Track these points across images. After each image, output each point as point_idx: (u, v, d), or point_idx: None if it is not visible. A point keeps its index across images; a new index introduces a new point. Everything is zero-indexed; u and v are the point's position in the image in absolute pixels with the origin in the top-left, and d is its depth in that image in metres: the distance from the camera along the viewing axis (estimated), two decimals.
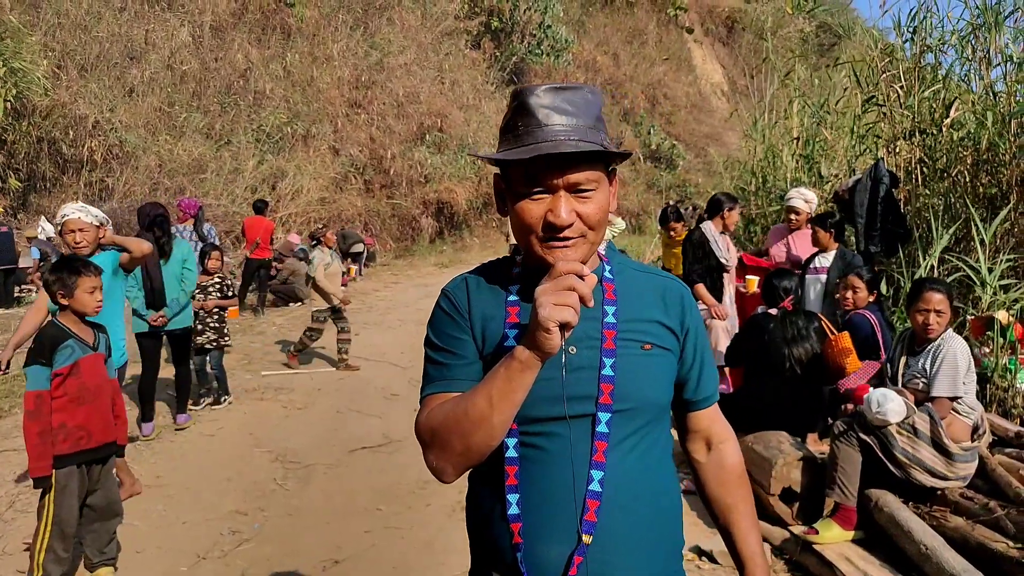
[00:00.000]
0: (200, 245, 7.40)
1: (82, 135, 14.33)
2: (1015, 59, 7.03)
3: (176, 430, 5.50)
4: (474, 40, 24.53)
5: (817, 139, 9.66)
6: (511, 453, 1.21)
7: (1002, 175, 6.64)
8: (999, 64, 7.40)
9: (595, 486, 1.17)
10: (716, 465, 1.40)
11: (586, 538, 1.15)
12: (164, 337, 5.39)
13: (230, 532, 3.83)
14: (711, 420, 1.41)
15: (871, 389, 3.49)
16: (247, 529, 3.87)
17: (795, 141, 10.02)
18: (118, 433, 3.28)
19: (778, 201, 9.34)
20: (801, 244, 5.65)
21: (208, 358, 6.07)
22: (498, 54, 24.96)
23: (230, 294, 6.33)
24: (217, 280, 6.25)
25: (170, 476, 4.60)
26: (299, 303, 11.35)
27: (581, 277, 1.06)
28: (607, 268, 1.31)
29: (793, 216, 5.68)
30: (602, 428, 1.19)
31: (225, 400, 6.13)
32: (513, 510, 1.19)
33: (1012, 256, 5.92)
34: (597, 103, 1.22)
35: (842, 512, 3.38)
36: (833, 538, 3.33)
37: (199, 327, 5.91)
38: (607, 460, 1.18)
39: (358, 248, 14.84)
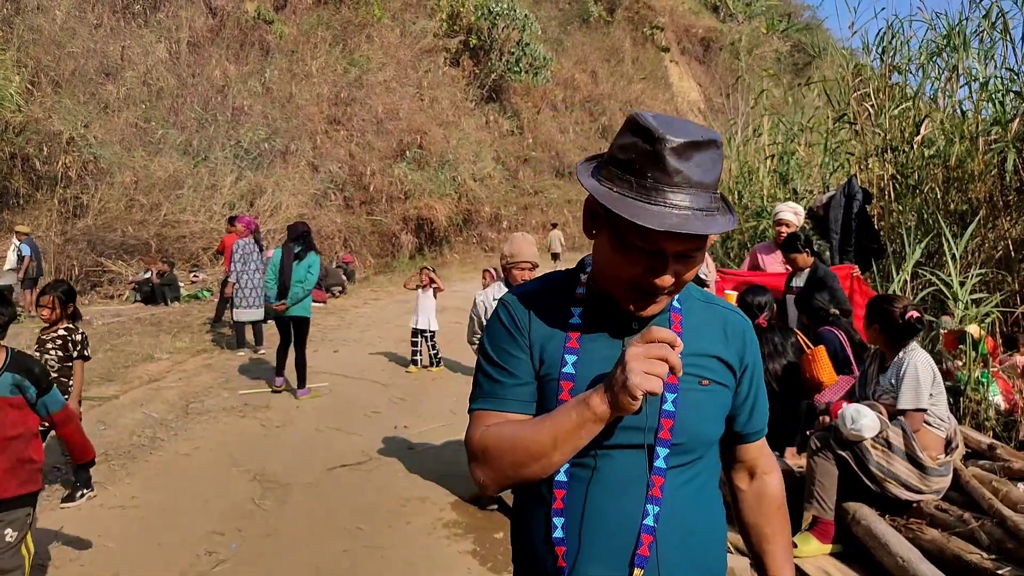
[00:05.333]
0: (258, 253, 9.01)
1: (56, 151, 14.16)
2: (980, 79, 7.21)
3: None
4: (453, 58, 24.68)
5: (792, 156, 9.81)
6: (561, 477, 1.20)
7: (972, 191, 6.79)
8: (965, 84, 7.60)
9: (650, 520, 1.17)
10: (757, 494, 1.41)
11: (637, 572, 1.15)
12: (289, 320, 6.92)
13: (207, 553, 3.77)
14: (758, 452, 1.41)
15: (845, 405, 3.53)
16: (224, 550, 3.81)
17: (770, 159, 10.17)
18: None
19: (755, 217, 9.45)
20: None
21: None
22: (477, 71, 25.12)
23: (75, 354, 4.29)
24: (62, 334, 4.29)
25: (145, 497, 4.52)
26: None
27: (672, 345, 1.07)
28: (674, 297, 1.29)
29: (784, 228, 5.68)
30: (660, 463, 1.19)
31: (83, 495, 4.39)
32: (558, 533, 1.19)
33: (982, 271, 6.05)
34: (721, 159, 1.16)
35: (820, 526, 3.41)
36: (812, 551, 3.36)
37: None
38: (662, 495, 1.18)
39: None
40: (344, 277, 15.17)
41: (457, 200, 20.79)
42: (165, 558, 3.71)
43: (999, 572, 2.65)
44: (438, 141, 21.26)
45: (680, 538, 1.19)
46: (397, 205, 19.81)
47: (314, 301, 13.23)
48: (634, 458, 1.19)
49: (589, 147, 28.09)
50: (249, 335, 9.05)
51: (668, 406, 1.19)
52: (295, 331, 6.95)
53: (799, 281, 5.18)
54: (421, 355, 8.22)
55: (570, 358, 1.22)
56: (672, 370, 1.07)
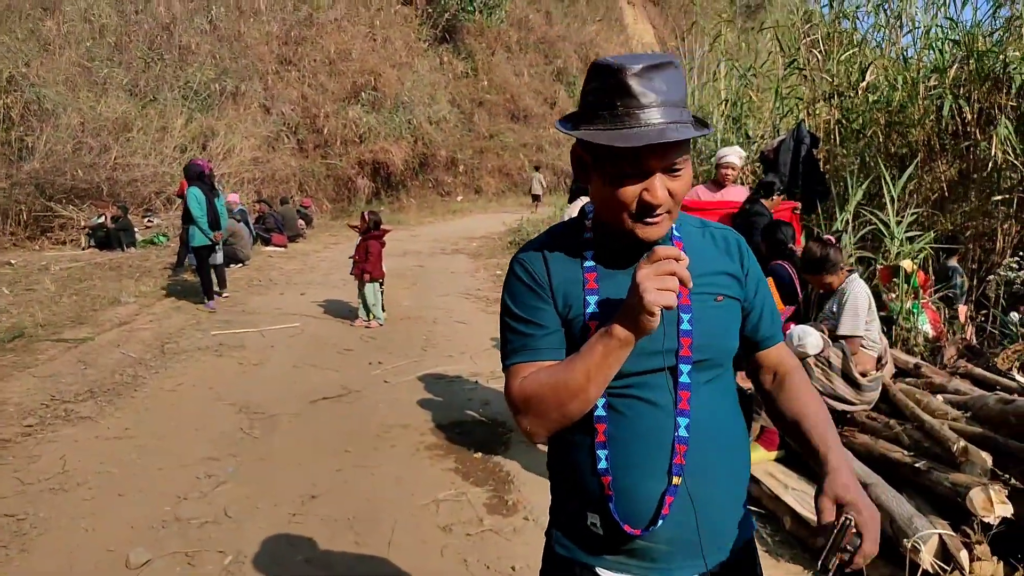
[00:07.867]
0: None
1: None
2: (923, 27, 7.59)
3: (224, 296, 8.79)
4: None
5: (744, 101, 10.12)
6: (599, 412, 1.29)
7: (911, 135, 7.22)
8: (909, 31, 7.97)
9: (682, 432, 1.27)
10: (781, 382, 1.45)
11: (676, 479, 1.26)
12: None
13: (206, 476, 4.03)
14: (780, 354, 1.47)
15: (792, 325, 3.93)
16: (222, 472, 4.07)
17: (724, 103, 10.46)
18: None
19: (708, 160, 9.79)
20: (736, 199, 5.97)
21: None
22: (430, 11, 24.68)
23: None
24: None
25: (137, 428, 4.73)
26: (240, 264, 11.29)
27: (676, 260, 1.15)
28: (673, 226, 1.37)
29: (729, 171, 5.98)
30: (684, 379, 1.29)
31: None
32: (603, 464, 1.29)
33: (917, 210, 6.50)
34: (683, 77, 1.25)
35: (766, 435, 3.84)
36: (759, 458, 3.78)
37: None
38: (690, 407, 1.29)
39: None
40: (302, 222, 15.14)
41: (413, 144, 20.71)
42: (167, 480, 3.96)
43: (917, 465, 3.09)
44: (392, 83, 21.01)
45: (711, 443, 1.30)
46: (352, 148, 19.66)
47: (275, 245, 13.37)
48: (660, 381, 1.29)
49: (543, 90, 28.00)
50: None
51: (685, 326, 1.29)
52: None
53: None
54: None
55: (591, 298, 1.31)
56: (682, 282, 1.14)
